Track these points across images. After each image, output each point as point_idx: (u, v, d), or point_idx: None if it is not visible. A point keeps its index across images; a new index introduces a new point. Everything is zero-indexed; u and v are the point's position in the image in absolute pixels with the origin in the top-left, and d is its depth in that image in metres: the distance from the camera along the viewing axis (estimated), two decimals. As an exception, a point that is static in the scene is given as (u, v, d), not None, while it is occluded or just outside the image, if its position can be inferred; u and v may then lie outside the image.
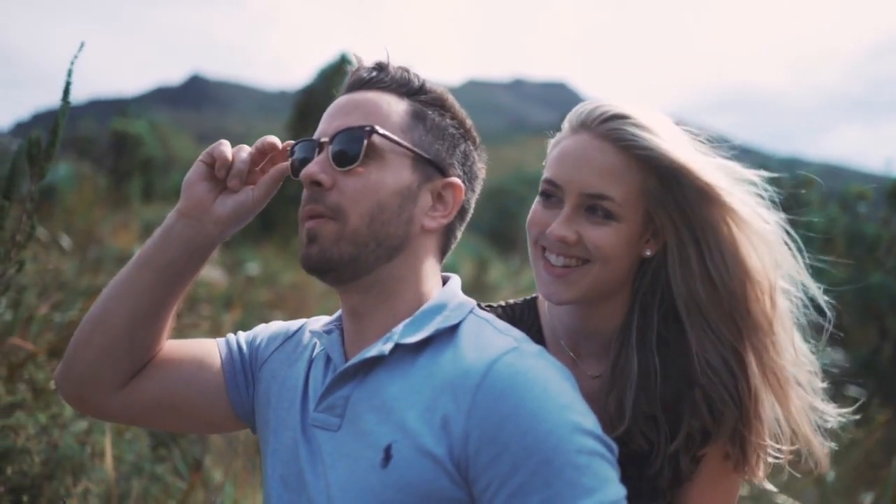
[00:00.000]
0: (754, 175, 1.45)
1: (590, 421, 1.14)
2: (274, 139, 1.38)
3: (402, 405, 1.19)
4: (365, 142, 1.24)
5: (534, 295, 1.62)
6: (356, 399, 1.25)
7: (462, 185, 1.34)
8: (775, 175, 1.48)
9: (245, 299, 7.07)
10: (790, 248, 1.44)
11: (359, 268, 1.27)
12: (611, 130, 1.38)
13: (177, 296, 1.38)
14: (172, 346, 1.44)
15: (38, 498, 2.50)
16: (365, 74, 1.33)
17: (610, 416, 1.43)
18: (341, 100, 1.33)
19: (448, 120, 1.35)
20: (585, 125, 1.41)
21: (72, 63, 2.18)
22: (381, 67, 1.34)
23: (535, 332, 1.56)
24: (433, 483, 1.13)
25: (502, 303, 1.63)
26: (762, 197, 1.45)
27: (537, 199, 1.47)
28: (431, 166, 1.31)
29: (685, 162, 1.36)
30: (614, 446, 1.16)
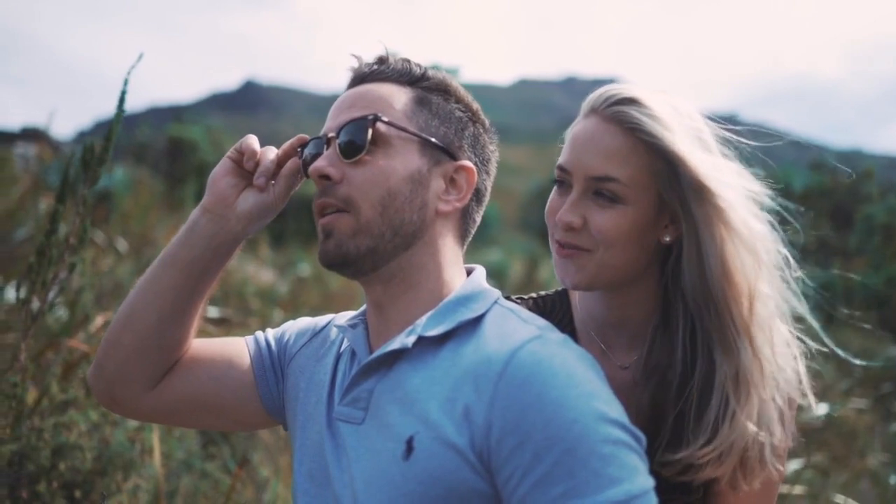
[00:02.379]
0: (759, 185, 1.41)
1: (616, 410, 1.12)
2: (307, 138, 1.38)
3: (424, 396, 1.18)
4: (369, 130, 1.25)
5: None
6: (379, 392, 1.24)
7: (474, 167, 1.33)
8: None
9: (296, 299, 7.16)
10: (778, 261, 1.39)
11: (377, 259, 1.27)
12: (616, 113, 1.37)
13: (203, 293, 1.40)
14: (202, 345, 1.45)
15: (90, 493, 2.56)
16: (366, 69, 1.35)
17: (637, 408, 1.39)
18: (344, 95, 1.34)
19: (453, 104, 1.35)
20: (594, 109, 1.41)
21: (128, 73, 2.22)
22: (381, 61, 1.35)
23: (566, 322, 1.54)
24: (455, 474, 1.12)
25: (533, 294, 1.61)
26: (760, 205, 1.40)
27: (554, 188, 1.46)
28: (440, 150, 1.30)
29: (683, 155, 1.33)
30: (642, 437, 1.13)
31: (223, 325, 5.16)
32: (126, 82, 2.23)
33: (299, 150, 1.38)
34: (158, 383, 1.41)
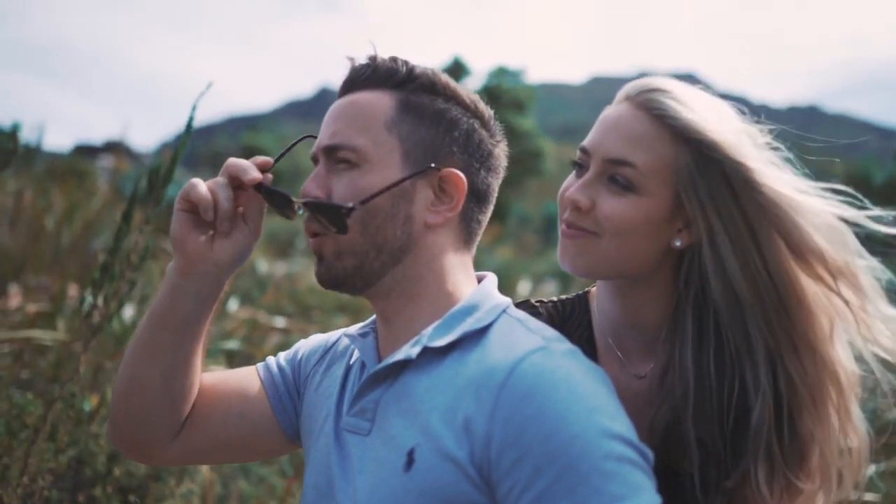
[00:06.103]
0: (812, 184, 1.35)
1: (621, 425, 1.07)
2: (242, 165, 1.29)
3: (427, 407, 1.16)
4: (343, 216, 1.21)
5: (586, 289, 1.56)
6: (385, 402, 1.23)
7: (460, 172, 1.26)
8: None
9: (355, 305, 7.23)
10: (850, 229, 1.32)
11: (366, 276, 1.25)
12: (647, 100, 1.34)
13: (200, 339, 1.37)
14: (214, 384, 1.44)
15: (145, 498, 2.63)
16: (353, 74, 1.30)
17: (651, 430, 1.34)
18: (332, 107, 1.31)
19: (441, 103, 1.28)
20: (628, 97, 1.38)
21: (197, 99, 2.25)
22: (367, 64, 1.30)
23: (584, 327, 1.49)
24: (455, 487, 1.10)
25: (554, 298, 1.56)
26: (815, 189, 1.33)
27: (573, 171, 1.43)
28: (423, 161, 1.25)
29: (716, 137, 1.29)
30: (649, 454, 1.09)
31: (284, 334, 5.25)
32: (194, 108, 2.24)
33: (258, 186, 1.30)
34: (181, 431, 1.40)
